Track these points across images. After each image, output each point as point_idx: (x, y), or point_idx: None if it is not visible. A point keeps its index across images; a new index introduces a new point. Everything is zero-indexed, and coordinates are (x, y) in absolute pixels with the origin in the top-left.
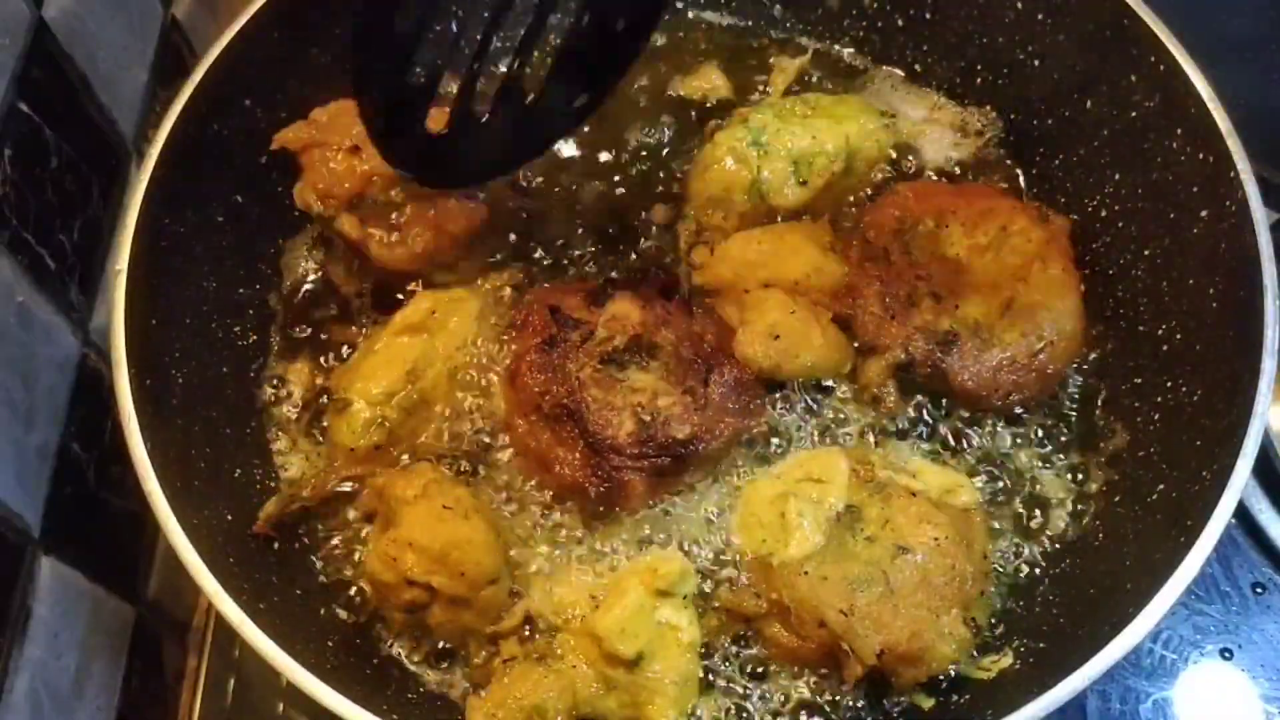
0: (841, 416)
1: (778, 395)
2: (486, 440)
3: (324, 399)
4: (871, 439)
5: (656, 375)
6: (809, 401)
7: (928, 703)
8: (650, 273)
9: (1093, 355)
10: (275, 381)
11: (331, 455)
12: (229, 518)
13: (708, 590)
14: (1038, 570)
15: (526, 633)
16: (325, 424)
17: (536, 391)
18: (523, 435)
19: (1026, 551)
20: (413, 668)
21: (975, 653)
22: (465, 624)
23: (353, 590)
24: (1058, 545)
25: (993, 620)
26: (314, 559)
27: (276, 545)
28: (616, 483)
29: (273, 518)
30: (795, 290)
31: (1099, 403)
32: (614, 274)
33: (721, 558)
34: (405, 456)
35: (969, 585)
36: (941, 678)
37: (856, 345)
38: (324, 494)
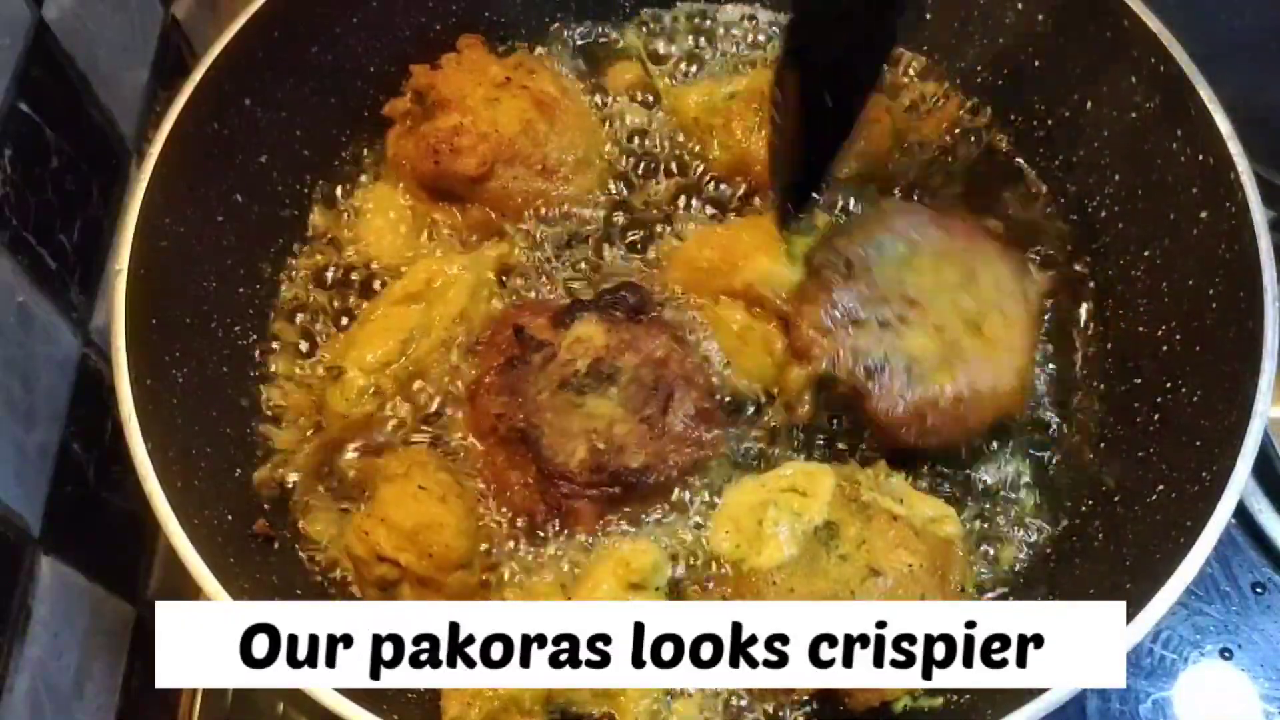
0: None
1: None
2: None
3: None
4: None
5: (615, 402)
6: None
7: (934, 702)
8: (620, 292)
9: (1093, 355)
10: (276, 381)
11: (327, 423)
12: (229, 518)
13: (678, 588)
14: (1037, 570)
15: None
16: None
17: (494, 414)
18: (481, 454)
19: (1026, 552)
20: None
21: None
22: None
23: (353, 590)
24: (1057, 547)
25: None
26: (314, 559)
27: (276, 545)
28: (565, 509)
29: (267, 483)
30: (748, 296)
31: (1099, 403)
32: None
33: (696, 558)
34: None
35: None
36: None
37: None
38: (315, 460)
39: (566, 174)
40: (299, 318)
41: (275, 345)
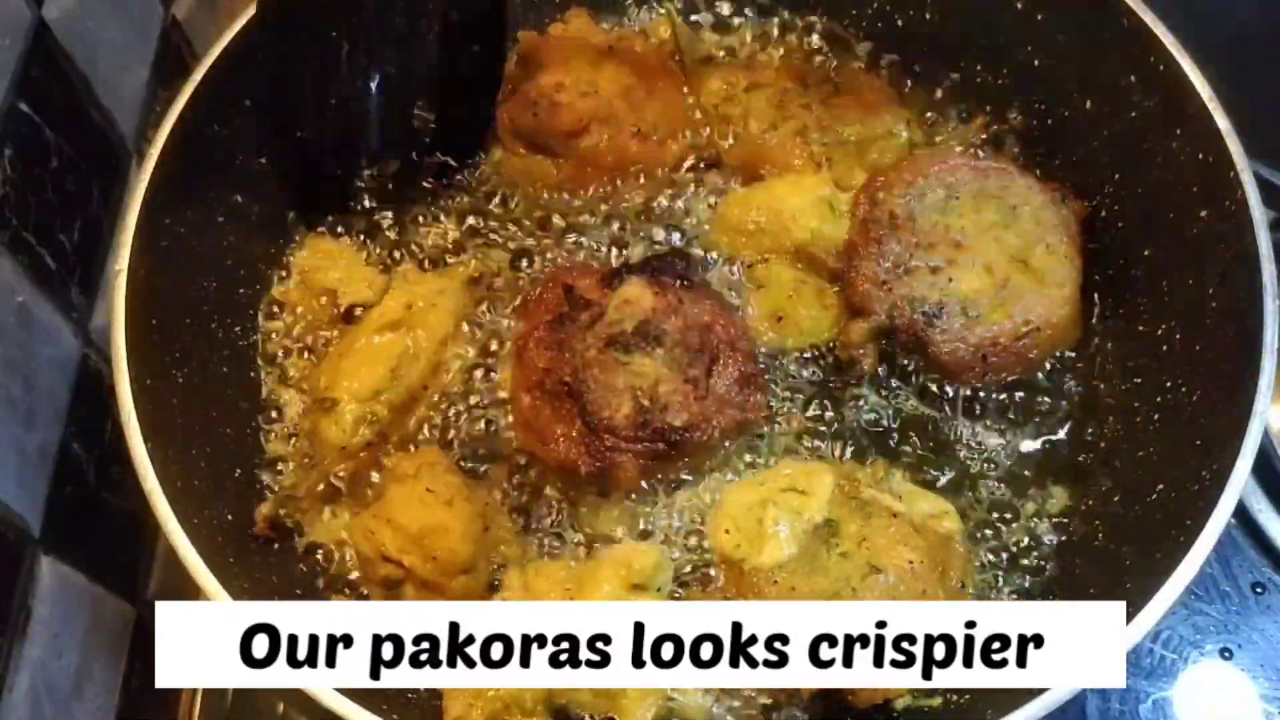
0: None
1: (781, 392)
2: (476, 434)
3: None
4: (868, 453)
5: (660, 362)
6: (813, 404)
7: (933, 702)
8: (668, 258)
9: (1092, 355)
10: (275, 381)
11: (319, 454)
12: (229, 518)
13: (680, 588)
14: (1037, 570)
15: None
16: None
17: (541, 368)
18: (524, 410)
19: (1025, 552)
20: None
21: None
22: None
23: (352, 591)
24: (1057, 546)
25: None
26: (314, 558)
27: (276, 545)
28: (609, 463)
29: (269, 519)
30: (798, 255)
31: (1099, 403)
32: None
33: (698, 558)
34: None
35: None
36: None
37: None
38: (315, 494)
39: (659, 141)
40: (295, 330)
41: (275, 349)
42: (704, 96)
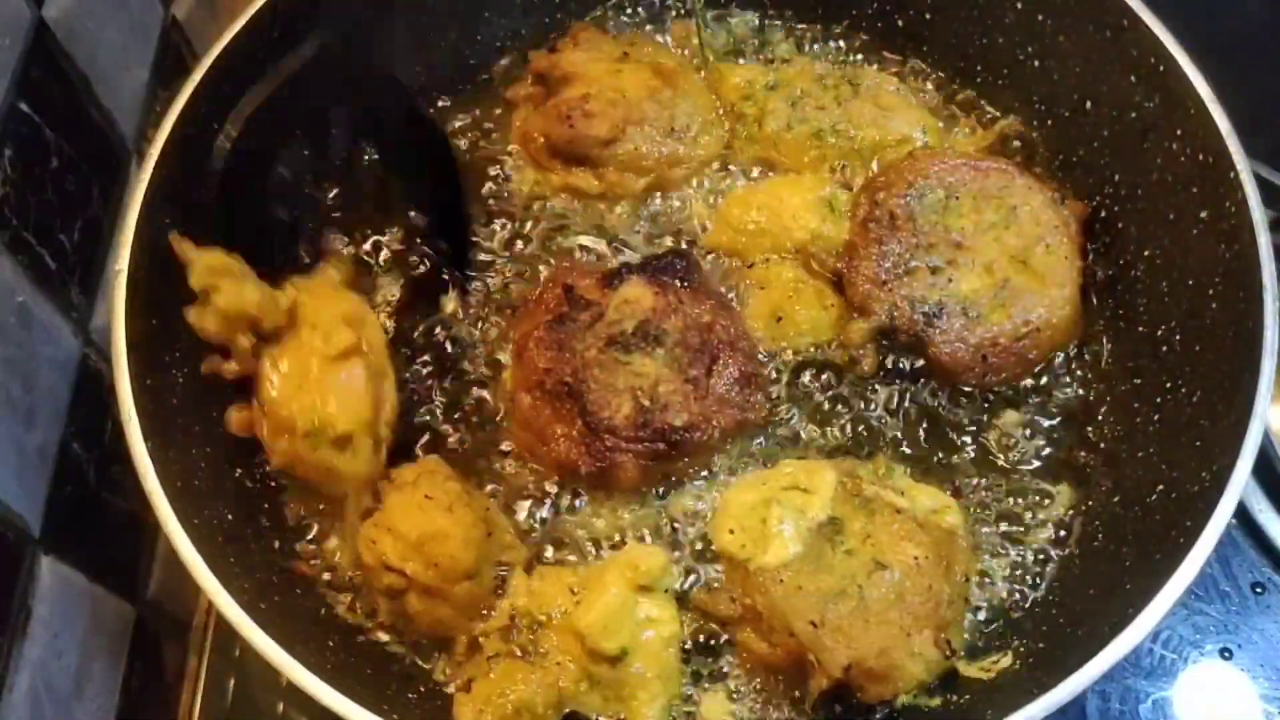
0: (841, 421)
1: (781, 391)
2: (475, 438)
3: None
4: (869, 452)
5: (660, 362)
6: (813, 403)
7: (933, 702)
8: (668, 258)
9: (1092, 355)
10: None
11: (347, 489)
12: (229, 518)
13: (685, 589)
14: (1037, 570)
15: (510, 629)
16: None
17: (541, 368)
18: (524, 410)
19: (1025, 552)
20: (411, 666)
21: (975, 653)
22: (442, 617)
23: (353, 590)
24: (1057, 546)
25: (992, 621)
26: (314, 558)
27: (277, 545)
28: (609, 463)
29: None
30: (799, 255)
31: (1099, 403)
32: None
33: (702, 559)
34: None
35: (945, 608)
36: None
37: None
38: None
39: (695, 135)
40: None
41: None
42: (725, 91)
